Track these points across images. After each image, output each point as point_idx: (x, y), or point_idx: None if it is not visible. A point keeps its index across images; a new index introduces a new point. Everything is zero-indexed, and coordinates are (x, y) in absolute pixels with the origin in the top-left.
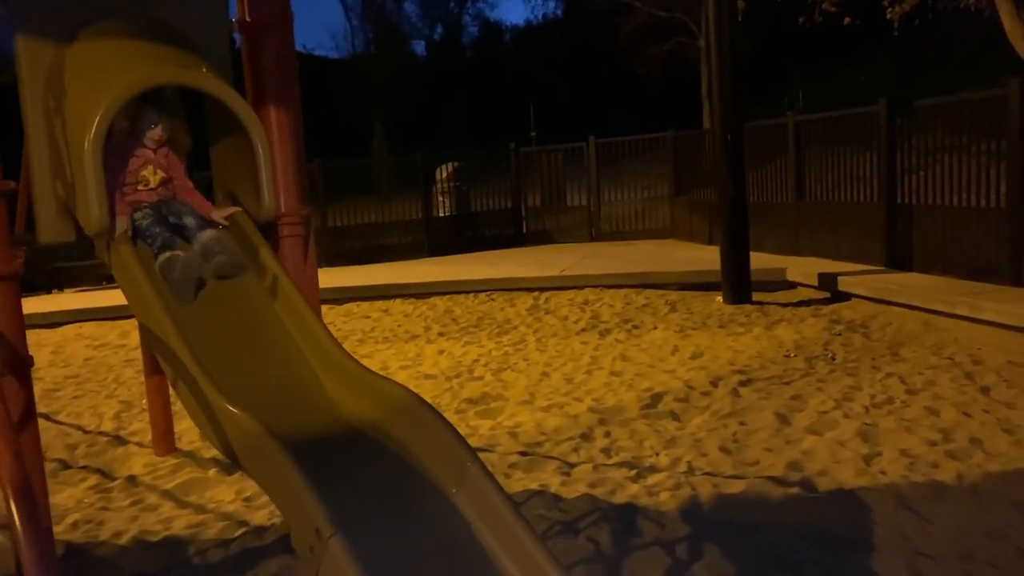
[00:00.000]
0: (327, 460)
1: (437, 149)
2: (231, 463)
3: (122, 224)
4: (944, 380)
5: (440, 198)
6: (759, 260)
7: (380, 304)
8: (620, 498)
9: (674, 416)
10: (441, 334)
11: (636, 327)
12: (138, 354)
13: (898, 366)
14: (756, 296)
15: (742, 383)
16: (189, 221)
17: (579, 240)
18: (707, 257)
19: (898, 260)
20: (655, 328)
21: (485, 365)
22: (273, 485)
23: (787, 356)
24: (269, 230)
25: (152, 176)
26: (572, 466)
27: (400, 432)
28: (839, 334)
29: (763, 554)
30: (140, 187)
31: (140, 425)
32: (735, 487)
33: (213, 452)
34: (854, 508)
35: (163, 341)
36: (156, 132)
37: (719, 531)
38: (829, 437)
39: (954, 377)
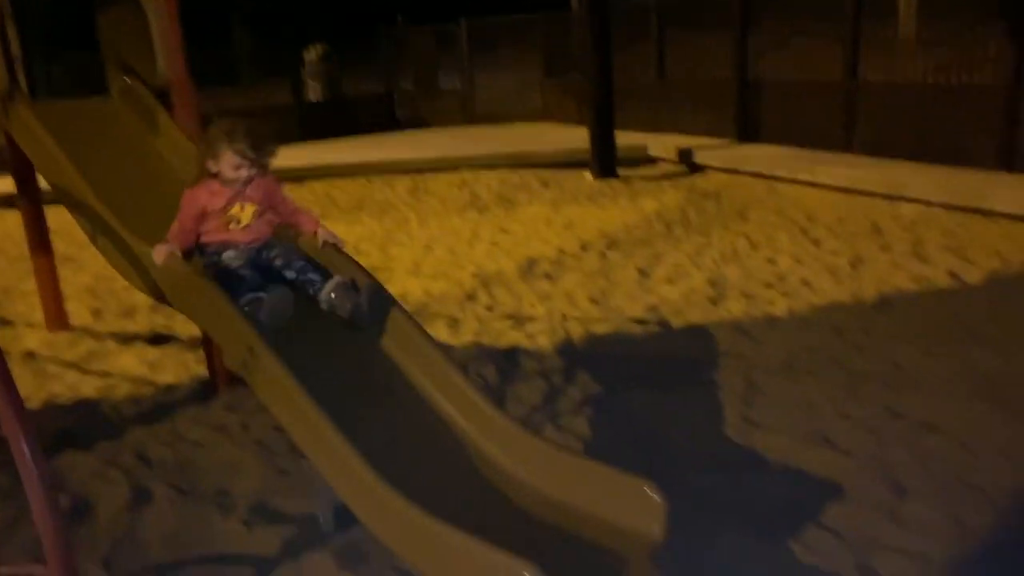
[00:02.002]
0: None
1: (300, 30)
2: (129, 336)
3: (165, 249)
4: (782, 236)
5: (310, 82)
6: (624, 138)
7: None
8: (503, 343)
9: (549, 277)
10: (322, 216)
11: (513, 203)
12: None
13: (744, 226)
14: (622, 171)
15: (608, 247)
16: (297, 264)
17: (453, 124)
18: (577, 137)
19: (748, 133)
20: (530, 204)
21: (370, 242)
22: (205, 315)
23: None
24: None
25: (242, 213)
26: (459, 321)
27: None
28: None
29: (626, 376)
30: (232, 226)
31: (24, 307)
32: (601, 328)
33: (109, 326)
34: (702, 339)
35: (80, 200)
36: (242, 173)
37: (588, 361)
38: (682, 285)
39: (791, 233)
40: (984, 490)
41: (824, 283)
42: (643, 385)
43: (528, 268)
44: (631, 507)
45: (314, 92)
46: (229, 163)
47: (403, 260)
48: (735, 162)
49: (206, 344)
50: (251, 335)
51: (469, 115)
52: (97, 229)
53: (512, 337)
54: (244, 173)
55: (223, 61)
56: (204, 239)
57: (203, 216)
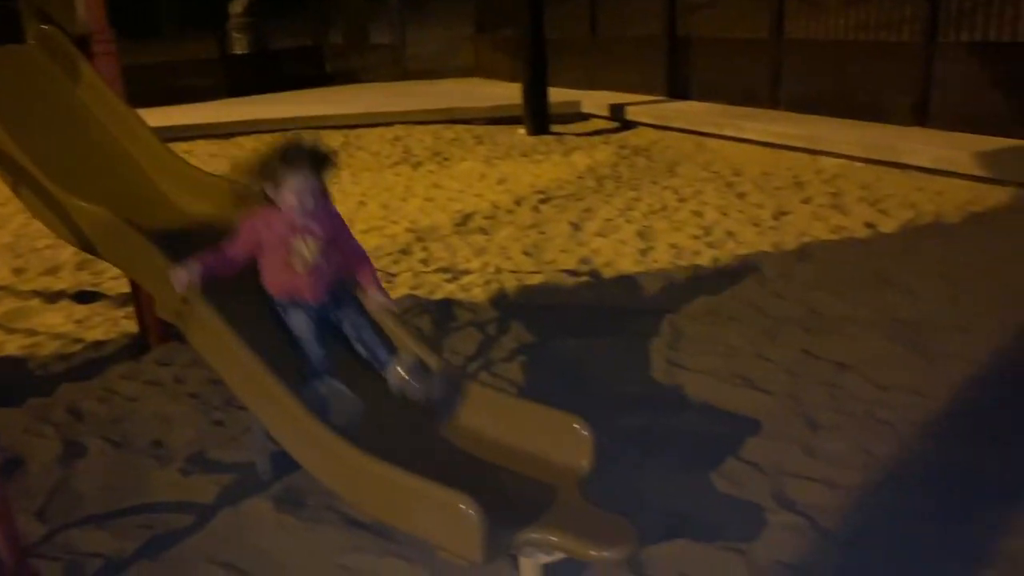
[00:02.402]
0: (180, 251)
1: None
2: (54, 293)
3: (186, 276)
4: (709, 190)
5: (235, 35)
6: (558, 94)
7: (182, 146)
8: (438, 295)
9: (483, 231)
10: None
11: (446, 159)
12: None
13: (673, 181)
14: (555, 128)
15: (542, 201)
16: (367, 337)
17: (384, 79)
18: (510, 93)
19: (678, 90)
20: (464, 159)
21: None
22: (136, 265)
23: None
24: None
25: (307, 249)
26: (394, 275)
27: None
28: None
29: (559, 325)
30: (298, 266)
31: None
32: (535, 280)
33: (33, 284)
34: (631, 288)
35: (1, 150)
36: (305, 201)
37: (522, 312)
38: (613, 238)
39: (717, 187)
40: (892, 424)
41: (748, 234)
42: (575, 333)
43: (462, 222)
44: (561, 442)
45: (239, 45)
46: (291, 190)
47: None
48: (665, 118)
49: (136, 300)
50: None
51: (400, 70)
52: (20, 180)
53: (447, 290)
54: (309, 202)
55: (144, 12)
56: (269, 285)
57: (259, 248)
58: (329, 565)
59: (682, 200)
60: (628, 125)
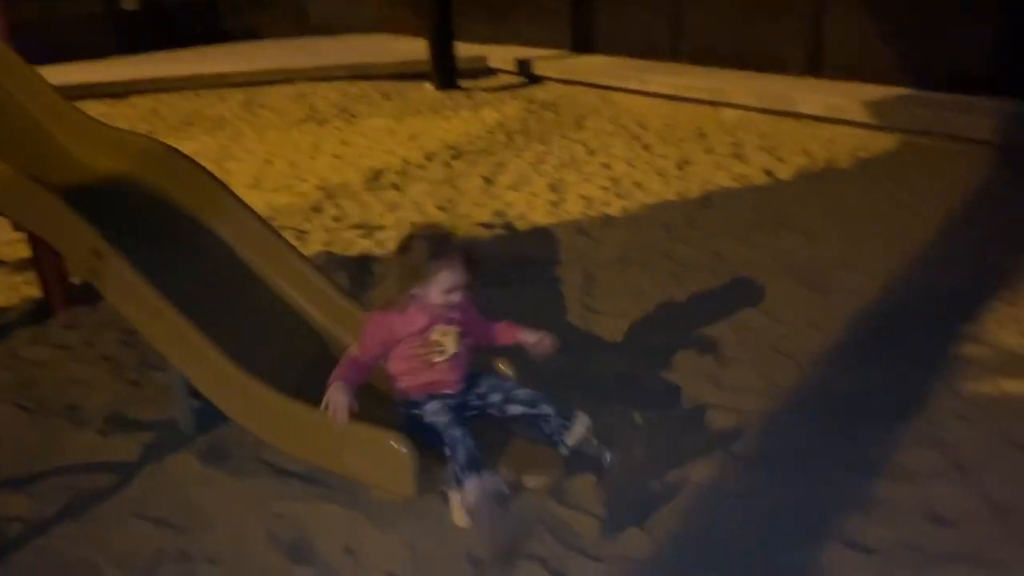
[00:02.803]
0: (86, 206)
1: None
2: None
3: (342, 400)
4: (616, 143)
5: None
6: (465, 49)
7: None
8: (353, 252)
9: (396, 187)
10: (150, 134)
11: (354, 116)
12: None
13: (581, 134)
14: (463, 83)
15: (453, 157)
16: (520, 393)
17: (286, 35)
18: (416, 48)
19: (583, 43)
20: (372, 116)
21: (204, 157)
22: (42, 222)
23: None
24: None
25: (446, 339)
26: (306, 232)
27: (151, 177)
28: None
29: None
30: (436, 358)
31: None
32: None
33: None
34: (545, 239)
35: None
36: (452, 298)
37: None
38: (525, 191)
39: (624, 140)
40: (792, 356)
41: (654, 184)
42: (492, 283)
43: (374, 179)
44: None
45: (128, 0)
46: (442, 288)
47: (241, 175)
48: (571, 72)
49: (38, 264)
50: (94, 237)
51: (302, 26)
52: None
53: (362, 245)
54: (455, 298)
55: None
56: (404, 385)
57: (395, 343)
58: (261, 514)
59: (591, 153)
60: (535, 79)
